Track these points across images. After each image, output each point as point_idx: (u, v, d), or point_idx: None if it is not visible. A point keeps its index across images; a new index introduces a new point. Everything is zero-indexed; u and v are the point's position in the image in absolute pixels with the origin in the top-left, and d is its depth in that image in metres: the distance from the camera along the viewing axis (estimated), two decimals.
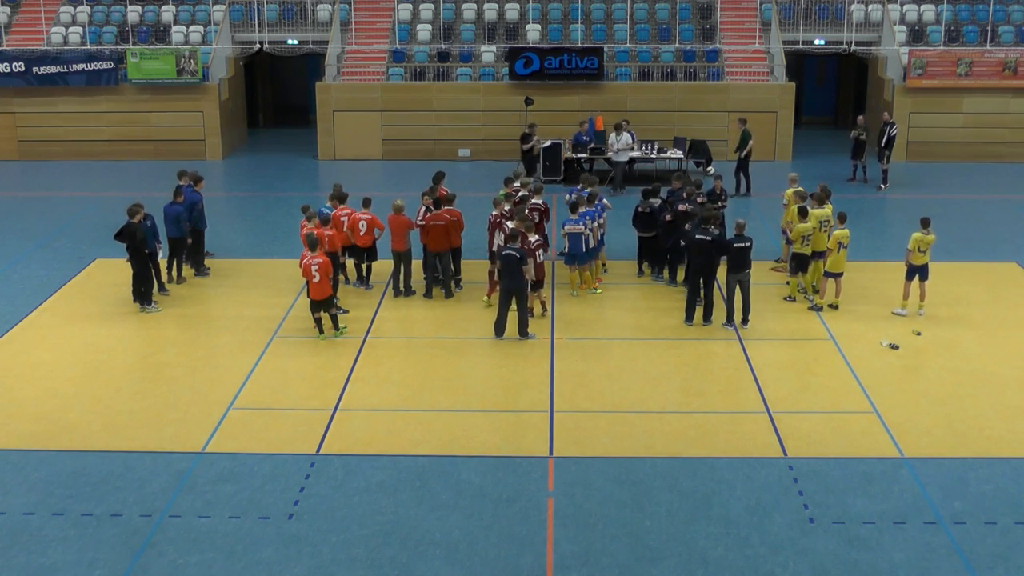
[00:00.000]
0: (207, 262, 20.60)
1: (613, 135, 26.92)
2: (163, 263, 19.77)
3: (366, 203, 19.39)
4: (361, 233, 19.07)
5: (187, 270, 20.23)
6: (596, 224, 19.16)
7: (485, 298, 18.88)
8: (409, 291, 19.15)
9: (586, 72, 30.24)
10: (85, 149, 31.22)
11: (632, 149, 27.20)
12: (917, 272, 18.05)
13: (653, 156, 27.91)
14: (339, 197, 19.49)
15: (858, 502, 12.46)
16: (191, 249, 20.11)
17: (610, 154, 26.83)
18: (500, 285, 17.43)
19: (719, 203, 20.00)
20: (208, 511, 12.33)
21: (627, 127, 28.30)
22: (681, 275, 19.63)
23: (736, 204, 23.82)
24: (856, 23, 31.41)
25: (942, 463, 13.39)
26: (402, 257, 19.07)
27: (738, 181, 26.64)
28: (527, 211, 18.91)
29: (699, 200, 19.71)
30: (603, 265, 20.13)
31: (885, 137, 27.08)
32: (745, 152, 26.81)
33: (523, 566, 11.29)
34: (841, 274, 18.23)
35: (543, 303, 18.20)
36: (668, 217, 19.24)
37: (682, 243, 18.91)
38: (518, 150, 29.45)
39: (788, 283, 19.17)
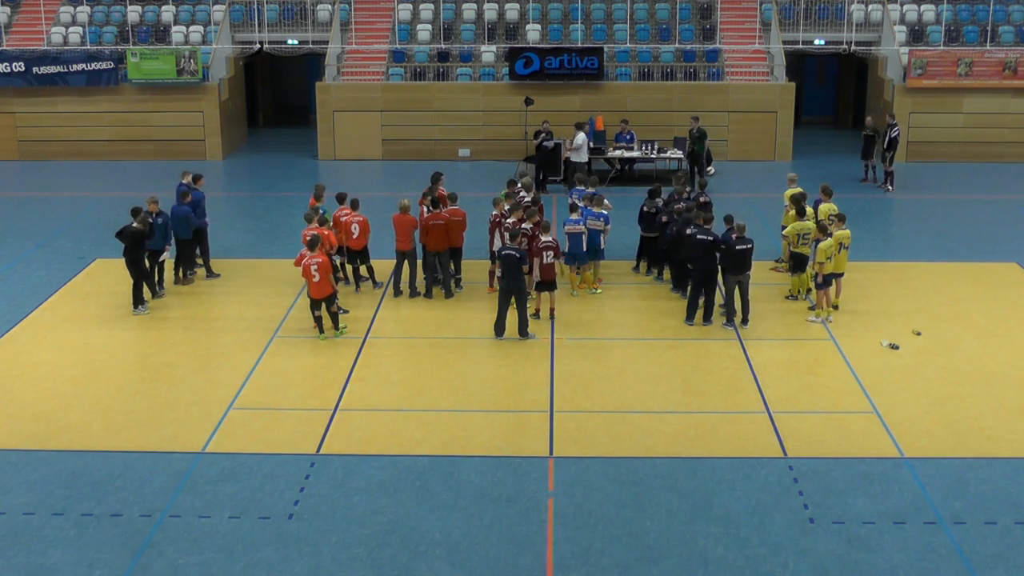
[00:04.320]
0: (199, 271, 20.43)
1: (576, 136, 26.60)
2: (170, 263, 19.83)
3: (354, 205, 19.33)
4: (354, 236, 19.01)
5: (199, 272, 20.27)
6: (606, 225, 19.15)
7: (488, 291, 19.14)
8: (415, 291, 19.12)
9: (586, 72, 30.23)
10: (85, 149, 31.22)
11: (590, 148, 27.03)
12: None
13: (653, 156, 27.90)
14: (338, 197, 19.50)
15: (858, 502, 12.46)
16: (201, 248, 20.14)
17: (570, 154, 26.65)
18: (500, 285, 17.44)
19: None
20: (208, 511, 12.33)
21: (627, 127, 28.39)
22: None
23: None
24: (856, 23, 31.41)
25: (942, 463, 13.39)
26: (406, 256, 19.06)
27: (694, 180, 26.60)
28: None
29: (702, 200, 19.80)
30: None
31: (887, 139, 27.06)
32: (706, 152, 27.14)
33: (523, 566, 11.29)
34: (841, 274, 18.21)
35: (552, 309, 18.00)
36: (664, 218, 19.24)
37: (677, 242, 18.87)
38: (517, 150, 29.52)
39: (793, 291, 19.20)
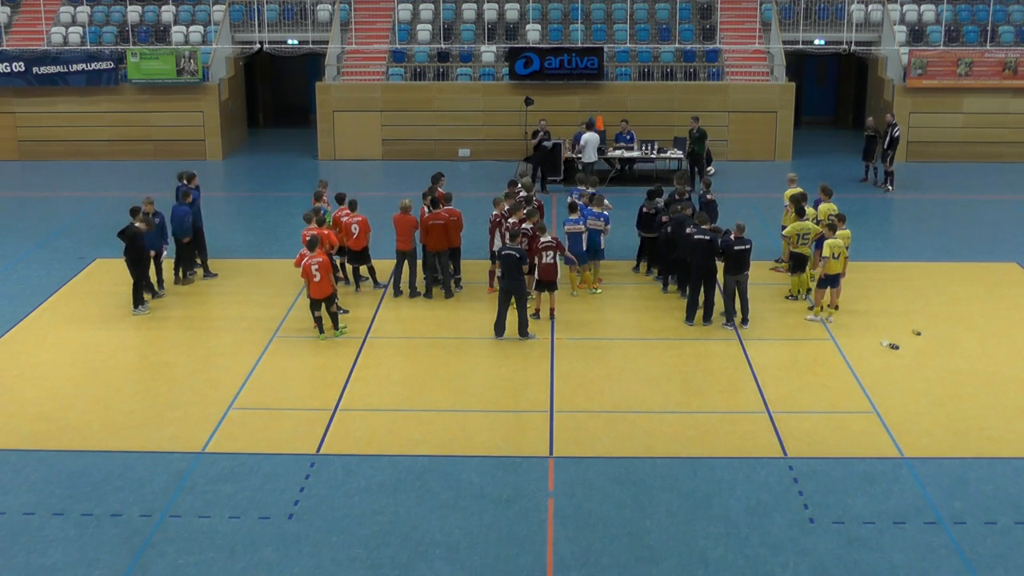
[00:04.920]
0: (199, 271, 20.39)
1: (585, 135, 26.67)
2: (169, 263, 19.82)
3: (352, 206, 19.33)
4: (354, 236, 19.00)
5: (198, 272, 20.25)
6: (606, 225, 19.16)
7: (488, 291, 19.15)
8: (415, 291, 19.12)
9: (586, 72, 30.23)
10: (85, 149, 31.22)
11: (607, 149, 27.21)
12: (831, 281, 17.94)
13: (653, 156, 27.90)
14: (338, 198, 19.52)
15: (858, 502, 12.46)
16: (199, 248, 20.14)
17: (580, 154, 26.71)
18: (500, 285, 17.44)
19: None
20: (208, 511, 12.33)
21: (627, 127, 28.38)
22: (674, 287, 19.42)
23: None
24: (856, 23, 31.41)
25: (942, 463, 13.39)
26: (406, 256, 19.05)
27: (695, 180, 26.55)
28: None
29: (708, 198, 19.85)
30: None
31: (888, 138, 27.05)
32: (706, 152, 27.07)
33: (523, 566, 11.29)
34: (842, 275, 18.18)
35: (552, 309, 17.98)
36: (665, 218, 19.20)
37: (678, 244, 18.81)
38: (517, 150, 29.50)
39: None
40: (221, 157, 31.23)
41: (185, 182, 20.32)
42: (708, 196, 20.24)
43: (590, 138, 26.42)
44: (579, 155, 26.68)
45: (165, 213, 19.55)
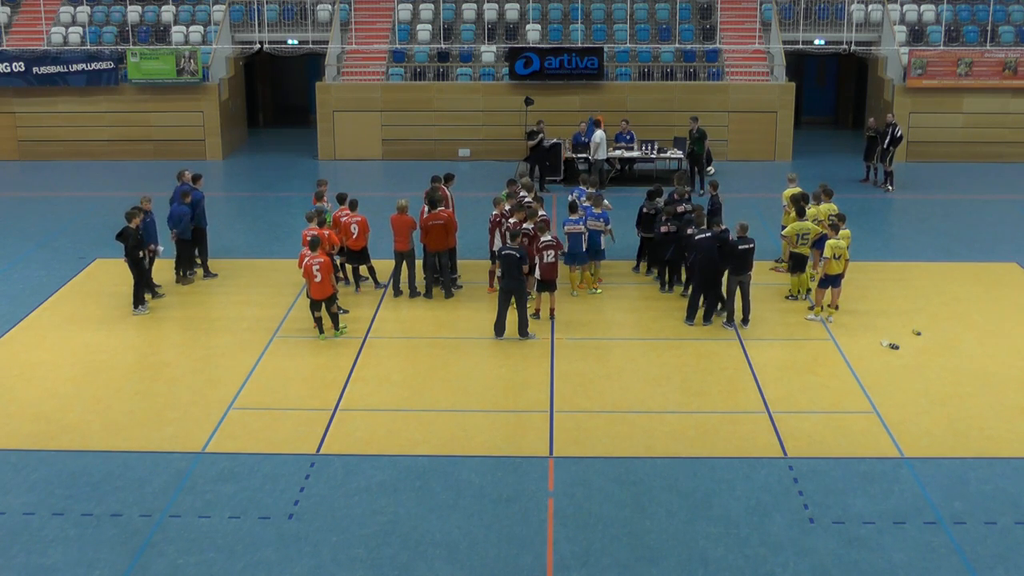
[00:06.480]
0: (199, 271, 20.39)
1: (595, 133, 26.78)
2: (169, 263, 19.80)
3: (353, 205, 19.33)
4: (353, 236, 19.00)
5: (199, 272, 20.23)
6: (606, 225, 19.16)
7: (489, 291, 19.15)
8: (415, 291, 19.12)
9: (586, 72, 30.24)
10: (85, 149, 31.22)
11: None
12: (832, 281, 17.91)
13: (653, 156, 27.90)
14: (339, 197, 19.52)
15: (858, 502, 12.46)
16: (200, 248, 20.13)
17: (580, 154, 26.79)
18: (500, 285, 17.43)
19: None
20: (208, 511, 12.33)
21: (627, 127, 28.38)
22: (678, 289, 19.41)
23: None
24: (856, 23, 31.42)
25: (942, 463, 13.39)
26: (405, 257, 19.05)
27: (695, 181, 26.55)
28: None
29: (720, 201, 20.06)
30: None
31: (888, 138, 27.05)
32: (705, 152, 27.06)
33: (523, 566, 11.29)
34: (842, 275, 18.17)
35: (552, 309, 17.98)
36: (664, 229, 19.08)
37: (683, 245, 18.79)
38: (517, 150, 29.50)
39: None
40: (221, 157, 31.23)
41: (190, 182, 20.31)
42: (719, 201, 20.23)
43: (602, 136, 26.45)
44: (582, 155, 26.70)
45: (160, 213, 19.53)
